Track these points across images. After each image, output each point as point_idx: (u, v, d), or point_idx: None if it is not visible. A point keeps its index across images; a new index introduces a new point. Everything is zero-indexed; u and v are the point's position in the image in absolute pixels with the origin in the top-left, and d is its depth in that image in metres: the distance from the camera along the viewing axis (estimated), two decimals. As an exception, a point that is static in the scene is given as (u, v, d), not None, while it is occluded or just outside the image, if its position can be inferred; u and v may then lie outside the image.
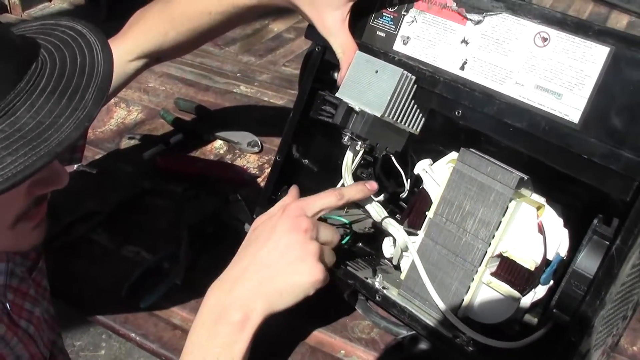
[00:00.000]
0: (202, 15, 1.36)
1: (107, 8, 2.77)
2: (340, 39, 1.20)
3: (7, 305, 1.13)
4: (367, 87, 1.16)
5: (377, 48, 1.20)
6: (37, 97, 0.85)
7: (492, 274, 1.14)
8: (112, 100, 2.08)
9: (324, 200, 1.17)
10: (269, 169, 1.60)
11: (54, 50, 0.92)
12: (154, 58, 1.45)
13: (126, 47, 1.41)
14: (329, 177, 1.34)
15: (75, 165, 1.69)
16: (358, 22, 1.21)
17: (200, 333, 1.07)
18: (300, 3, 1.22)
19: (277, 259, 1.09)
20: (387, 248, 1.31)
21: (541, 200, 1.15)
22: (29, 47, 0.91)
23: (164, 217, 1.62)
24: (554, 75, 1.01)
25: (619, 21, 2.82)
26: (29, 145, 0.80)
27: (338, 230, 1.20)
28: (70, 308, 1.41)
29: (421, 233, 1.22)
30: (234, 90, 2.23)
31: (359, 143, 1.20)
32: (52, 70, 0.89)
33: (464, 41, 1.10)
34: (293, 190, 1.24)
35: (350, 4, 1.18)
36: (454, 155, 1.22)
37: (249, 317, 1.06)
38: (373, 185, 1.23)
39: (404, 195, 1.35)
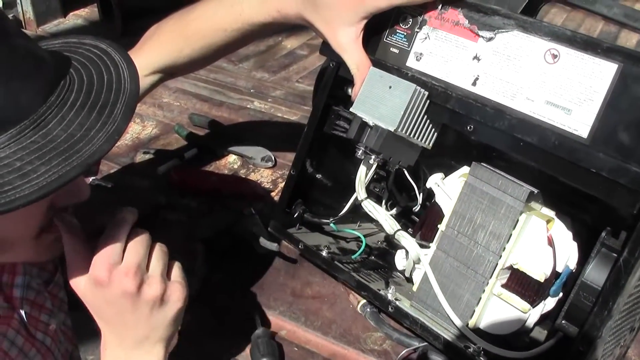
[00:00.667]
0: (217, 32, 1.38)
1: (122, 24, 2.79)
2: (354, 56, 1.22)
3: (24, 317, 1.14)
4: (380, 102, 1.19)
5: (391, 64, 1.22)
6: (67, 110, 0.87)
7: (503, 286, 1.16)
8: (128, 115, 2.10)
9: (118, 237, 1.03)
10: (283, 183, 1.62)
11: (80, 67, 0.94)
12: (168, 73, 1.46)
13: (140, 63, 1.41)
14: (343, 191, 1.36)
15: (91, 179, 1.71)
16: (372, 38, 1.23)
17: None
18: (314, 20, 1.24)
19: (133, 321, 1.02)
20: (400, 260, 1.32)
21: (551, 213, 1.17)
22: (59, 62, 0.93)
23: (179, 232, 1.63)
24: (564, 91, 1.03)
25: (629, 39, 2.84)
26: (61, 156, 0.83)
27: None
28: (83, 322, 1.42)
29: (433, 245, 1.23)
30: (248, 106, 2.25)
31: (373, 157, 1.22)
32: (80, 86, 0.91)
33: (476, 57, 1.12)
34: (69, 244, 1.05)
35: (364, 21, 1.20)
36: (465, 169, 1.24)
37: None
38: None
39: (416, 208, 1.36)
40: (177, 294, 1.03)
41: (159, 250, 1.05)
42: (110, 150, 1.90)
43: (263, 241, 1.47)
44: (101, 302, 1.01)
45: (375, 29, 1.23)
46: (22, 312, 1.14)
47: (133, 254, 1.01)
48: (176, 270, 1.07)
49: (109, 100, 0.90)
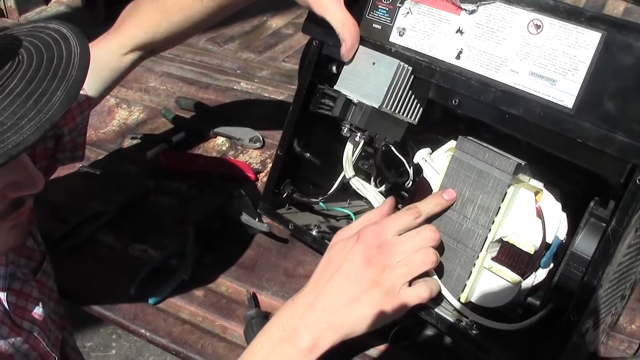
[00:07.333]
0: (194, 4, 1.37)
1: (105, 10, 2.77)
2: (337, 15, 1.20)
3: (8, 307, 1.14)
4: (364, 79, 1.18)
5: (374, 40, 1.21)
6: (3, 98, 0.86)
7: (493, 259, 1.16)
8: (114, 101, 2.10)
9: (401, 221, 1.12)
10: (272, 163, 1.62)
11: (34, 52, 0.94)
12: (147, 50, 1.47)
13: (119, 41, 1.43)
14: (331, 169, 1.35)
15: (79, 166, 1.71)
16: (354, 15, 1.22)
17: (264, 344, 1.06)
18: None
19: (346, 291, 1.07)
20: (390, 237, 1.32)
21: (539, 185, 1.17)
22: (6, 46, 0.93)
23: (169, 215, 1.63)
24: (548, 61, 1.02)
25: (616, 7, 2.82)
26: None
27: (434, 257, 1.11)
28: (79, 309, 1.42)
29: (422, 221, 1.23)
30: (235, 87, 2.24)
31: (358, 134, 1.21)
32: (25, 71, 0.90)
33: (459, 31, 1.11)
34: (385, 205, 1.19)
35: None
36: (452, 143, 1.23)
37: (318, 345, 1.05)
38: (451, 194, 1.16)
39: (408, 184, 1.36)
40: (399, 299, 1.08)
41: (429, 254, 1.10)
42: (98, 137, 1.91)
43: (253, 222, 1.47)
44: (342, 251, 1.10)
45: (357, 6, 1.22)
46: (5, 303, 1.14)
47: (406, 239, 1.10)
48: (426, 287, 1.11)
49: (50, 87, 0.89)
